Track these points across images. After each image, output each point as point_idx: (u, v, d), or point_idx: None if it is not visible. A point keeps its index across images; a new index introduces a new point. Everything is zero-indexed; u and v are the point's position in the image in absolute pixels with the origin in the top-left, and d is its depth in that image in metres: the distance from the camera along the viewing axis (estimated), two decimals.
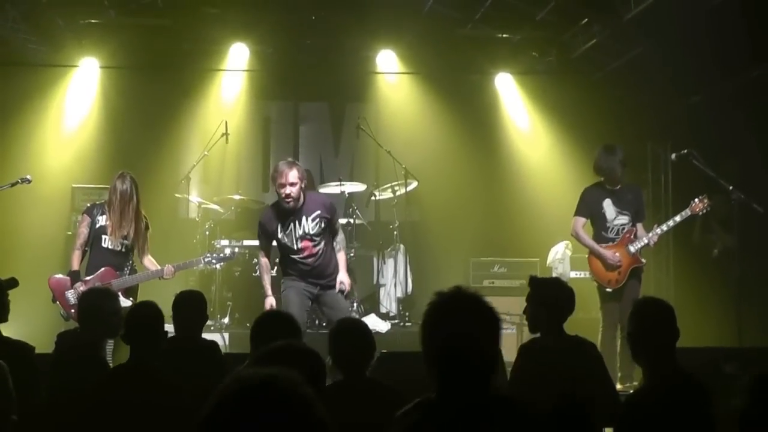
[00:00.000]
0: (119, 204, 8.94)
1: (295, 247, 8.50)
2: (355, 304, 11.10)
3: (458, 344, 3.10)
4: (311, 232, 8.46)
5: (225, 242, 11.54)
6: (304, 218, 8.45)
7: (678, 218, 9.30)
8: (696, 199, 9.19)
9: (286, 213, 8.47)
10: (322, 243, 8.57)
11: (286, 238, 8.50)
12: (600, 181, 9.45)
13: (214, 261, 9.76)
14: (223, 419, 2.09)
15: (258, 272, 8.96)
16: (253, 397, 2.11)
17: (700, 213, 9.30)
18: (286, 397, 2.12)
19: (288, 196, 8.30)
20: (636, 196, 9.52)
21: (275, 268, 10.09)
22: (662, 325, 4.67)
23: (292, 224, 8.47)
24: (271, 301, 8.61)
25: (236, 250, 11.38)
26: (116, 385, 5.15)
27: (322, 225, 8.51)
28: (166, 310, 6.00)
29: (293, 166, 8.36)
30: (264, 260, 8.83)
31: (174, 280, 9.36)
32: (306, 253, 8.50)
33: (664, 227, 9.31)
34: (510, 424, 3.04)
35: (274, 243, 8.67)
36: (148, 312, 5.59)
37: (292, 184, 8.29)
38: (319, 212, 8.50)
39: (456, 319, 3.14)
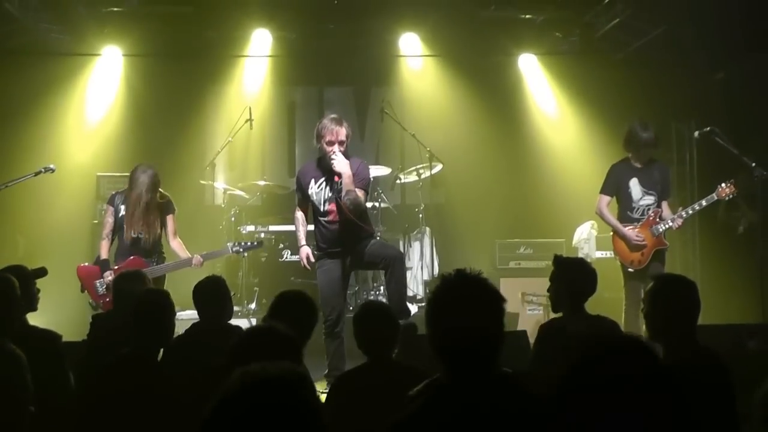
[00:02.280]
0: (132, 204, 8.99)
1: (322, 209, 8.28)
2: (381, 288, 11.15)
3: (463, 332, 3.09)
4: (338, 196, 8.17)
5: (251, 228, 11.61)
6: (336, 179, 8.15)
7: (704, 202, 9.23)
8: (723, 184, 9.11)
9: (323, 170, 8.27)
10: None
11: (315, 196, 8.29)
12: (626, 158, 9.40)
13: (240, 249, 9.78)
14: (226, 417, 2.15)
15: (295, 226, 8.63)
16: (256, 396, 2.18)
17: (726, 198, 9.23)
18: (286, 395, 2.19)
19: (336, 154, 8.06)
20: (663, 175, 9.46)
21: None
22: (682, 302, 4.63)
23: (324, 183, 8.26)
24: (306, 251, 8.40)
25: (262, 236, 11.44)
26: (116, 375, 5.14)
27: None
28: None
29: (343, 124, 8.18)
30: (299, 214, 8.59)
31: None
32: (331, 218, 8.26)
33: (689, 210, 9.26)
34: (514, 403, 3.03)
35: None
36: (156, 300, 5.60)
37: (341, 143, 8.10)
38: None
39: (460, 305, 3.13)
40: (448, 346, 3.13)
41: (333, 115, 8.43)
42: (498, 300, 3.19)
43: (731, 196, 9.19)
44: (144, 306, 5.45)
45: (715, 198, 9.16)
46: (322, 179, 8.27)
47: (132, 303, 5.54)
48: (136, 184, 8.96)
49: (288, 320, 4.41)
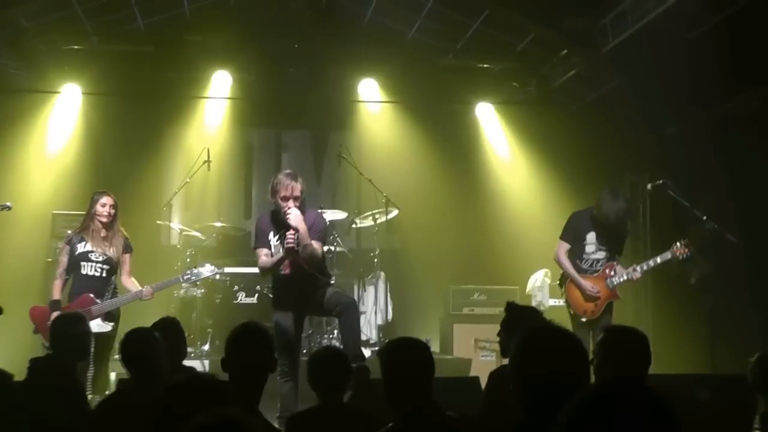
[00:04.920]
0: (97, 221, 9.01)
1: None
2: (336, 331, 11.14)
3: (557, 380, 3.17)
4: (297, 249, 8.12)
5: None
6: (291, 233, 8.08)
7: (659, 259, 9.21)
8: (678, 243, 9.11)
9: (277, 224, 8.27)
10: None
11: (273, 249, 8.28)
12: (590, 208, 9.43)
13: (192, 278, 9.64)
14: None
15: (273, 256, 8.28)
16: None
17: (681, 257, 9.28)
18: None
19: (291, 209, 8.07)
20: (622, 231, 9.46)
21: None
22: (632, 355, 4.62)
23: (280, 237, 8.24)
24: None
25: (218, 277, 11.37)
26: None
27: None
28: None
29: (297, 179, 8.17)
30: (264, 255, 8.42)
31: (155, 307, 9.35)
32: (287, 271, 8.24)
33: (645, 266, 9.29)
34: None
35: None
36: (138, 339, 5.62)
37: (296, 198, 8.11)
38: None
39: (556, 354, 3.25)
40: (539, 390, 3.22)
41: (288, 171, 8.41)
42: (585, 350, 3.32)
43: (686, 256, 9.25)
44: (129, 346, 5.51)
45: (669, 257, 9.19)
46: (279, 233, 8.29)
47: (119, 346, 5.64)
48: (96, 205, 9.00)
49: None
